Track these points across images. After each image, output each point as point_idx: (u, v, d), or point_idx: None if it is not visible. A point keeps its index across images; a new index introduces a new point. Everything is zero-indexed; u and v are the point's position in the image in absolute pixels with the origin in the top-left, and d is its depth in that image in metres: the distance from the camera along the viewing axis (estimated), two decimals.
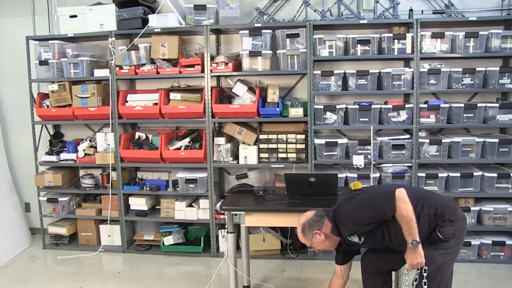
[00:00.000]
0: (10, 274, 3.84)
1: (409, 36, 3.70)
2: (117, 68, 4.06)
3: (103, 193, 4.24)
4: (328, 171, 3.90)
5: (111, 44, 4.00)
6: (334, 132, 4.15)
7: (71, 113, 4.14)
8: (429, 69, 3.73)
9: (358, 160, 3.72)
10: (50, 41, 4.14)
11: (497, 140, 3.65)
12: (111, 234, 4.29)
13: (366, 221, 2.32)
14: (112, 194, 4.17)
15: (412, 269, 2.26)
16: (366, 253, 2.65)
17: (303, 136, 3.91)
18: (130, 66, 4.05)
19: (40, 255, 4.27)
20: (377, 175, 3.78)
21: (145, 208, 4.21)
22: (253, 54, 3.83)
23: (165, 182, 4.25)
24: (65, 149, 4.32)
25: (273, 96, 3.93)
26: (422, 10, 3.90)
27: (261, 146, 3.96)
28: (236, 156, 4.06)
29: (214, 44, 4.22)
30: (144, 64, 4.04)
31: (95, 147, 4.23)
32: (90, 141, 4.29)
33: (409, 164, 3.80)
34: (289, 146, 3.93)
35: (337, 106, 3.81)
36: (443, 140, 3.72)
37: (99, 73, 4.12)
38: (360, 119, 3.79)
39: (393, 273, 2.83)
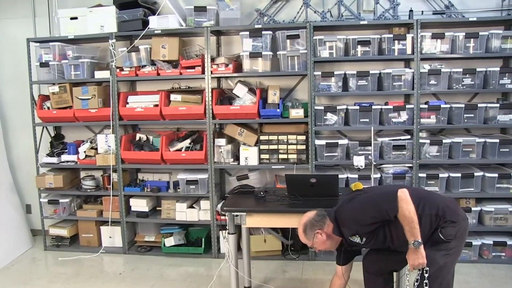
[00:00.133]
0: (11, 276, 3.84)
1: (409, 36, 3.71)
2: (118, 70, 4.06)
3: (104, 195, 4.24)
4: (329, 172, 3.89)
5: (112, 46, 4.01)
6: (334, 133, 4.15)
7: (72, 114, 4.15)
8: (429, 69, 3.73)
9: (358, 161, 3.72)
10: (50, 43, 4.16)
11: (497, 141, 3.65)
12: (112, 236, 4.30)
13: (368, 222, 2.32)
14: (113, 196, 4.18)
15: (414, 269, 2.26)
16: (368, 253, 2.66)
17: (303, 137, 3.91)
18: (131, 67, 4.05)
19: (41, 257, 4.27)
20: (378, 175, 3.78)
21: (146, 209, 4.21)
22: (254, 55, 3.83)
23: (166, 183, 4.25)
24: (66, 150, 4.33)
25: (273, 97, 3.93)
26: (422, 11, 3.90)
27: (262, 147, 3.96)
28: (236, 157, 4.06)
29: (214, 45, 4.22)
30: (145, 66, 4.05)
31: (96, 149, 4.24)
32: (91, 142, 4.30)
33: (410, 165, 3.80)
34: (290, 147, 3.93)
35: (338, 107, 3.82)
36: (444, 141, 3.72)
37: (99, 74, 4.12)
38: (361, 120, 3.79)
39: (395, 273, 2.82)
